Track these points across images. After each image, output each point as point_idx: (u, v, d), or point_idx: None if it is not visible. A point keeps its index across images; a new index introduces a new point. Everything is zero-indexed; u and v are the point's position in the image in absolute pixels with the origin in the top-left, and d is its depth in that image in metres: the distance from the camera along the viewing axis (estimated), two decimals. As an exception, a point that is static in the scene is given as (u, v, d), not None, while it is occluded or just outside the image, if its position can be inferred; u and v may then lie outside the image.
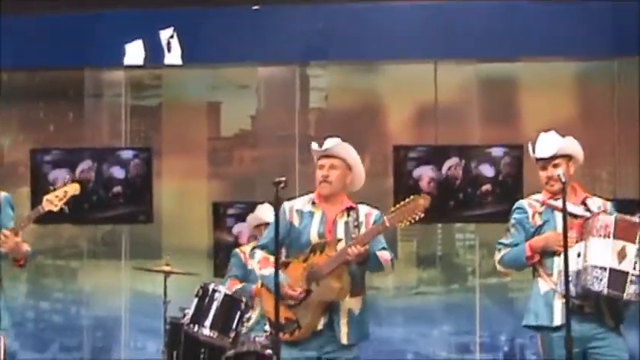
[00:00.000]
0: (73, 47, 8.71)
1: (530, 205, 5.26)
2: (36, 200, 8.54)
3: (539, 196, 5.29)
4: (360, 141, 8.87)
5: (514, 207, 5.31)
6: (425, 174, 8.54)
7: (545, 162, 5.24)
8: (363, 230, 5.35)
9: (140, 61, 8.78)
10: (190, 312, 6.77)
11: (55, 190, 5.58)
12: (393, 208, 5.25)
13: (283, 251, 5.69)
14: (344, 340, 5.33)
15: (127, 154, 8.92)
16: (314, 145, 5.47)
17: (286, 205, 5.51)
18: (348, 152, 5.45)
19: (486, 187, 8.49)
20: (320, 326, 5.33)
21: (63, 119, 9.36)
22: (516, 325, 8.39)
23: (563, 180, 5.00)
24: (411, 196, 5.24)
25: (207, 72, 9.15)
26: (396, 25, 8.34)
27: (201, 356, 6.83)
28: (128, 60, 8.78)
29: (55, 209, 5.53)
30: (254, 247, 5.62)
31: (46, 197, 5.53)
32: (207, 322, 6.69)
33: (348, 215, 5.41)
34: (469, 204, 8.49)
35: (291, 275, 5.39)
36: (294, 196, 5.50)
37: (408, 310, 8.92)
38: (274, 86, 9.10)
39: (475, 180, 8.52)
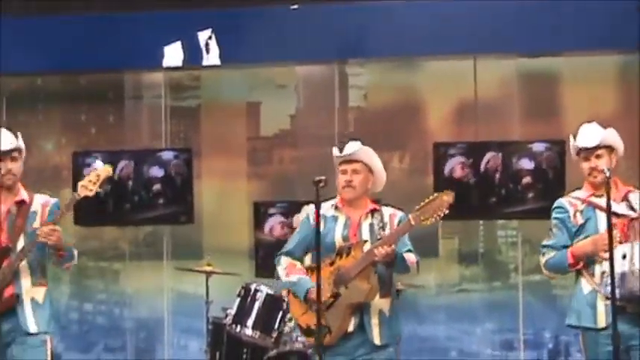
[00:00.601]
0: (112, 50, 8.75)
1: (570, 203, 5.19)
2: (78, 203, 8.66)
3: (580, 193, 5.21)
4: (399, 138, 8.95)
5: (554, 206, 5.25)
6: (465, 171, 8.48)
7: (588, 152, 5.16)
8: (387, 231, 5.36)
9: (179, 63, 8.80)
10: (232, 312, 6.79)
11: (87, 175, 5.54)
12: (417, 207, 5.25)
13: (308, 257, 5.72)
14: (377, 341, 5.34)
15: (167, 155, 8.95)
16: (335, 151, 5.49)
17: (308, 209, 5.53)
18: (370, 156, 5.48)
19: (528, 183, 8.41)
20: (351, 328, 5.33)
21: (104, 122, 9.42)
22: (560, 322, 8.27)
23: (608, 174, 4.92)
24: (435, 194, 5.25)
25: (246, 72, 9.16)
26: (435, 20, 8.29)
27: (244, 356, 6.85)
28: (167, 62, 8.80)
29: (91, 194, 5.49)
30: (279, 253, 5.63)
31: (80, 184, 5.50)
32: (250, 322, 6.71)
33: (373, 217, 5.43)
34: (510, 200, 8.42)
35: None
36: (333, 196, 5.49)
37: (450, 307, 8.87)
38: (313, 85, 9.09)
39: (516, 176, 8.44)
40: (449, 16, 8.32)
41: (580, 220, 5.14)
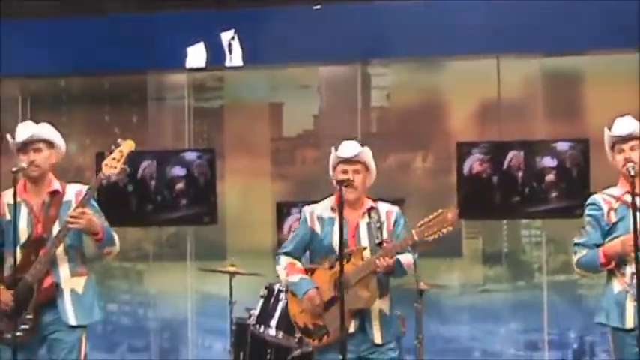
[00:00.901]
0: (135, 51, 8.78)
1: (604, 201, 5.12)
2: (102, 204, 8.69)
3: (615, 191, 5.13)
4: (422, 138, 8.94)
5: (587, 203, 5.18)
6: (488, 171, 8.45)
7: (622, 143, 5.08)
8: (385, 231, 5.44)
9: (202, 64, 8.82)
10: (256, 312, 6.80)
11: (110, 153, 5.48)
12: (421, 222, 5.29)
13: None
14: (378, 341, 5.42)
15: (190, 156, 8.97)
16: (339, 152, 5.53)
17: (306, 211, 5.60)
18: (370, 156, 5.57)
19: (551, 182, 8.37)
20: (352, 329, 5.40)
21: (127, 122, 9.45)
22: (585, 322, 8.31)
23: (632, 173, 4.88)
24: (440, 210, 5.28)
25: (269, 73, 9.17)
26: (458, 20, 8.26)
27: (268, 356, 6.85)
28: (190, 62, 8.82)
29: (116, 172, 5.44)
30: (278, 253, 5.73)
31: (103, 163, 5.45)
32: (273, 322, 6.72)
33: (370, 217, 5.48)
34: (534, 200, 8.38)
35: (317, 282, 5.46)
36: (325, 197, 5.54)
37: (473, 307, 8.84)
38: (336, 85, 9.08)
39: (540, 176, 8.40)
40: (472, 16, 8.29)
41: (613, 219, 5.07)
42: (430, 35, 8.38)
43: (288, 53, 8.65)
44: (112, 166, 5.44)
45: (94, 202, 5.57)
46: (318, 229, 5.52)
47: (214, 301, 8.70)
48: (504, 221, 8.84)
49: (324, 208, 5.55)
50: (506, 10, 8.20)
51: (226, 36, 8.73)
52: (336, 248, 5.31)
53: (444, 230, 5.22)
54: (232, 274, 7.47)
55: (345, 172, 5.48)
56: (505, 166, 8.43)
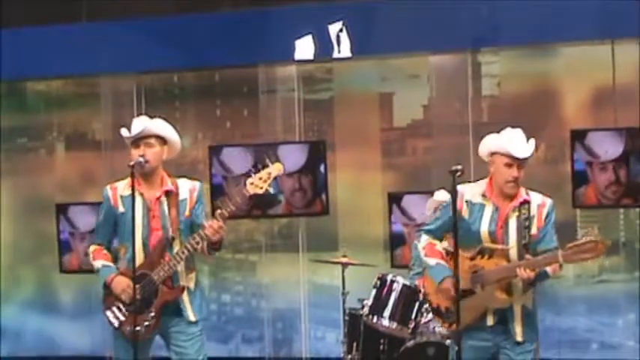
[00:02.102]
0: (246, 45, 8.87)
1: None
2: (215, 195, 8.83)
3: None
4: (535, 127, 8.73)
5: None
6: (604, 158, 8.26)
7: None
8: (534, 226, 5.26)
9: (311, 56, 8.86)
10: (369, 303, 6.79)
11: (257, 172, 5.49)
12: (570, 244, 5.11)
13: (448, 242, 5.65)
14: (519, 338, 5.28)
15: (301, 148, 9.01)
16: (512, 150, 5.26)
17: (448, 197, 5.44)
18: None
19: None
20: (490, 322, 5.29)
21: (238, 116, 9.56)
22: None
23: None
24: (592, 238, 5.06)
25: (378, 63, 9.14)
26: (569, 5, 8.09)
27: (381, 347, 6.85)
28: (299, 55, 8.87)
29: (261, 192, 5.45)
30: (420, 229, 5.63)
31: (249, 181, 5.45)
32: (387, 313, 6.70)
33: (521, 211, 5.30)
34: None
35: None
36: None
37: (590, 299, 8.66)
38: (446, 75, 9.00)
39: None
40: (584, 1, 8.12)
41: None
42: (541, 21, 8.24)
43: (397, 43, 8.62)
44: (258, 186, 5.46)
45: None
46: (465, 213, 5.31)
47: (327, 291, 8.74)
48: (621, 210, 8.63)
49: (473, 192, 5.35)
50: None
51: (334, 28, 8.74)
52: (484, 236, 5.23)
53: (591, 259, 5.10)
54: (344, 264, 7.47)
55: (509, 165, 5.24)
56: (624, 158, 8.21)
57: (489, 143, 5.38)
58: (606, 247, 5.08)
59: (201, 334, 5.66)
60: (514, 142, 5.29)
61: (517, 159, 5.26)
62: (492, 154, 5.35)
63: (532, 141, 5.35)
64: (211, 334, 9.14)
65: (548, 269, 5.23)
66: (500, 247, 5.26)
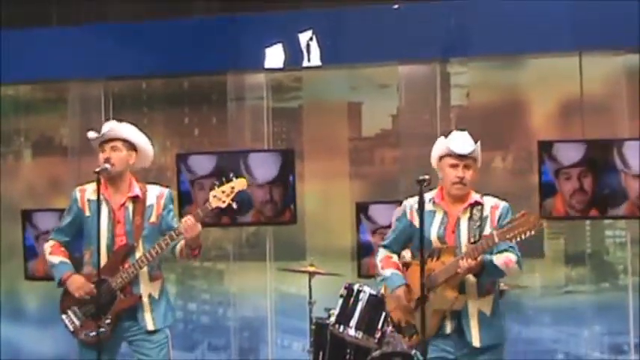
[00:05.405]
0: (215, 53, 8.85)
1: None
2: (183, 203, 8.78)
3: None
4: (503, 137, 8.82)
5: None
6: (571, 170, 8.31)
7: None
8: (487, 227, 5.26)
9: (281, 64, 8.85)
10: (336, 312, 6.78)
11: (220, 185, 5.50)
12: (503, 222, 5.17)
13: (409, 252, 5.67)
14: (476, 343, 5.23)
15: (269, 156, 8.98)
16: (453, 146, 5.35)
17: (407, 204, 5.47)
18: (479, 150, 5.40)
19: (635, 182, 8.19)
20: (448, 330, 5.27)
21: (207, 123, 9.53)
22: (673, 325, 8.11)
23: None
24: (522, 212, 5.10)
25: (347, 72, 9.15)
26: (538, 16, 8.14)
27: (347, 356, 6.84)
28: (269, 63, 8.85)
29: (223, 205, 5.45)
30: (379, 245, 5.65)
31: (212, 193, 5.46)
32: (353, 323, 6.70)
33: (472, 212, 5.31)
34: (617, 200, 8.21)
35: (410, 278, 5.36)
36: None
37: (556, 309, 8.70)
38: (415, 85, 9.02)
39: (623, 175, 8.23)
40: (552, 12, 8.17)
41: None
42: (510, 32, 8.28)
43: (367, 53, 8.63)
44: (221, 200, 5.45)
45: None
46: (416, 222, 5.31)
47: (294, 301, 8.72)
48: (587, 221, 8.68)
49: (425, 201, 5.34)
50: (588, 6, 8.06)
51: (304, 36, 8.74)
52: (435, 243, 5.24)
53: (527, 233, 5.07)
54: (312, 274, 7.47)
55: (454, 166, 5.32)
56: (590, 169, 8.25)
57: (435, 148, 5.47)
58: (537, 219, 5.09)
59: (167, 342, 5.61)
60: (455, 140, 5.37)
61: (459, 156, 5.30)
62: (440, 158, 5.41)
63: (479, 143, 5.39)
64: (177, 341, 9.10)
65: (499, 263, 5.20)
66: (445, 246, 5.28)
